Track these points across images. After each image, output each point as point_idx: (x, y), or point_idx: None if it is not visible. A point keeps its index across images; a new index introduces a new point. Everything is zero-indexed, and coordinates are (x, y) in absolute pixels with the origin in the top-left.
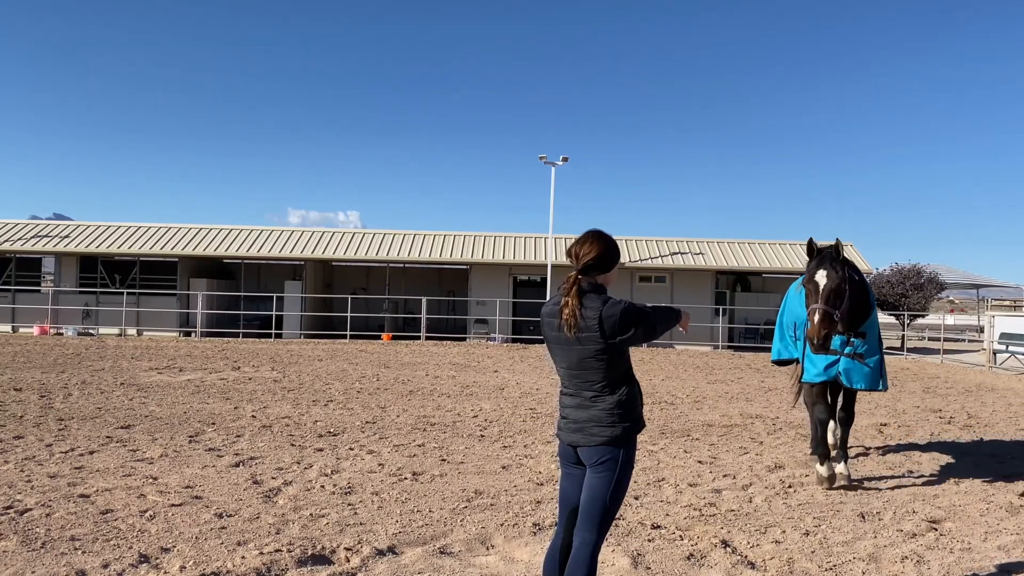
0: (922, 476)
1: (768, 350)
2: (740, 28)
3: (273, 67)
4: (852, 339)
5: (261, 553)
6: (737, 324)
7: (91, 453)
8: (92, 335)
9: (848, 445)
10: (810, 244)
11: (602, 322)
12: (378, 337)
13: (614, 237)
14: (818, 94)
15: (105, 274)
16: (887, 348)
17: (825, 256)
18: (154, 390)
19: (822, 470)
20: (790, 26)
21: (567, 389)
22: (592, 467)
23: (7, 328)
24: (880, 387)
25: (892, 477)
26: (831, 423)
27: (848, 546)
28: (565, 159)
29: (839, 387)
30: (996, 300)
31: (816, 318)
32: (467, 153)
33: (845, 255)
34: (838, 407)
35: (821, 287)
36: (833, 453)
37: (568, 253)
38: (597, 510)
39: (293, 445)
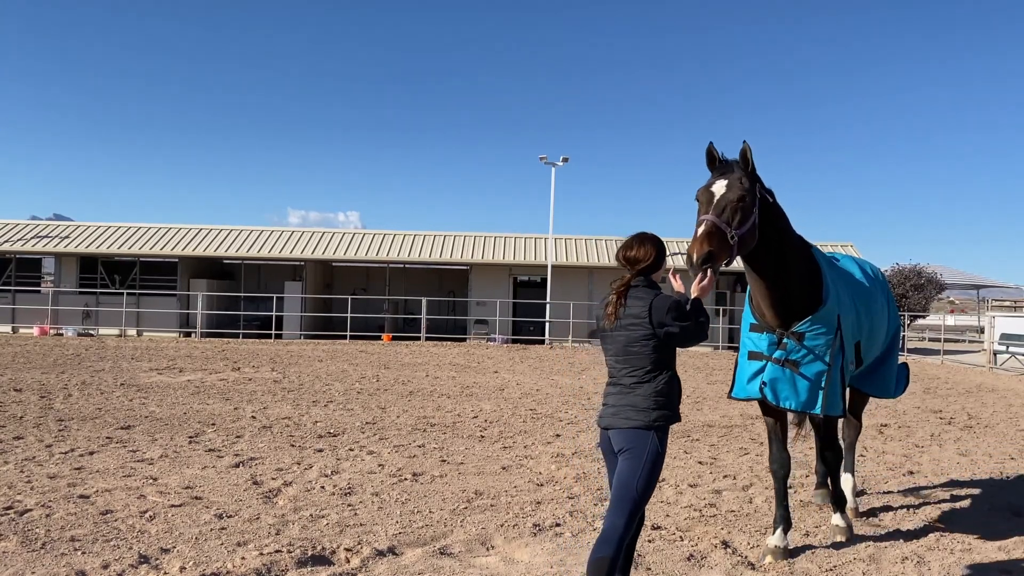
0: (922, 477)
1: None
2: (738, 24)
3: (272, 66)
4: (784, 339)
5: (261, 554)
6: (737, 324)
7: (91, 454)
8: (92, 335)
9: (842, 484)
10: (709, 152)
11: (651, 311)
12: (378, 338)
13: (613, 237)
14: (817, 91)
15: (105, 274)
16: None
17: (732, 165)
18: (154, 391)
19: (771, 539)
20: (789, 21)
21: (611, 379)
22: (622, 453)
23: (7, 328)
24: (816, 409)
25: (892, 478)
26: (820, 472)
27: (848, 546)
28: (565, 159)
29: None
30: (996, 300)
31: (699, 230)
32: (467, 153)
33: (763, 183)
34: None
35: (716, 197)
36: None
37: (621, 258)
38: (625, 496)
39: (293, 446)
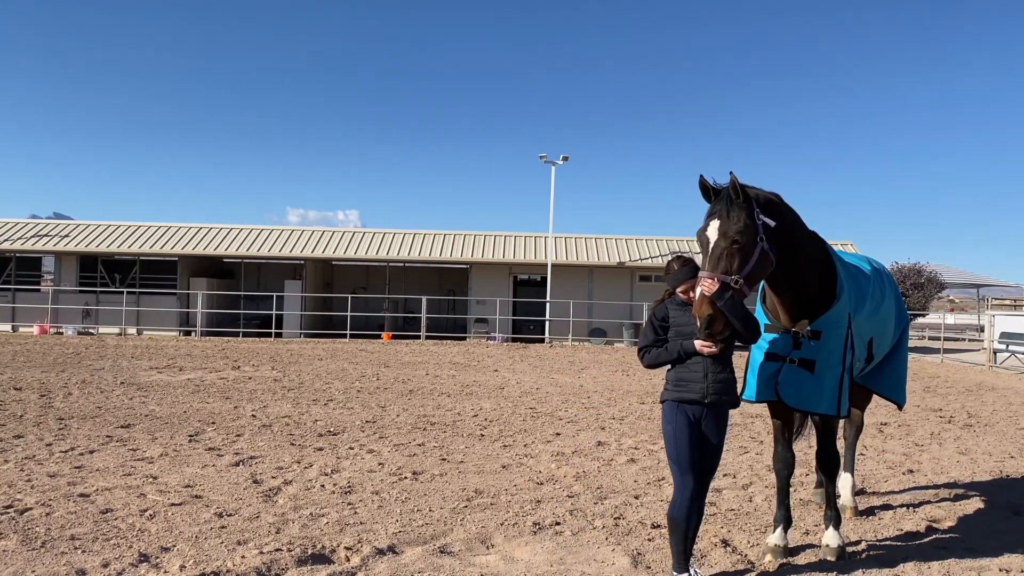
0: (922, 475)
1: None
2: (736, 23)
3: (272, 64)
4: (800, 337)
5: (261, 552)
6: None
7: (91, 452)
8: (92, 334)
9: (840, 484)
10: (702, 185)
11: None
12: (378, 336)
13: (613, 236)
14: (817, 88)
15: (105, 273)
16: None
17: (722, 197)
18: (154, 389)
19: (771, 538)
20: (787, 22)
21: None
22: None
23: (7, 327)
24: (823, 408)
25: (892, 477)
26: (820, 473)
27: (849, 546)
28: (565, 158)
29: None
30: (996, 299)
31: (698, 290)
32: (467, 151)
33: (755, 192)
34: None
35: (711, 245)
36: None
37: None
38: None
39: (293, 444)
